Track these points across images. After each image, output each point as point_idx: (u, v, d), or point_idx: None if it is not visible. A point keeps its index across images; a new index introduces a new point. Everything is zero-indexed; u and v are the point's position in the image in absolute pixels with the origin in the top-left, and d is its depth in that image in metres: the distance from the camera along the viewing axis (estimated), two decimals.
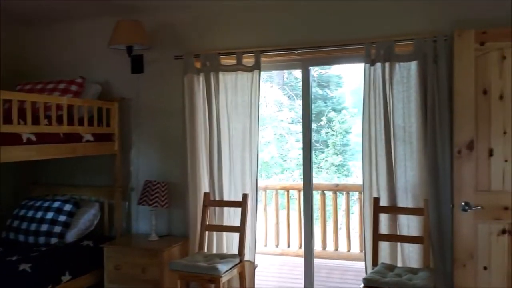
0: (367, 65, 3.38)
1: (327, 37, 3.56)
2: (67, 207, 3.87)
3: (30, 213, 3.88)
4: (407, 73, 3.32)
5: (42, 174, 4.43)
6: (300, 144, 3.79)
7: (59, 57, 4.36)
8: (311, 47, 3.57)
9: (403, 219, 3.40)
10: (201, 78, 3.82)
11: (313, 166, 3.77)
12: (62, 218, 3.80)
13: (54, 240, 3.71)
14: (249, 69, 3.69)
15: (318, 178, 9.10)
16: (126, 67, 4.11)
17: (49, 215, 3.80)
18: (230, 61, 3.75)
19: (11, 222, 3.91)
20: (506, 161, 2.95)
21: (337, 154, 9.87)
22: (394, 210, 3.39)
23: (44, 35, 4.43)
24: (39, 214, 3.84)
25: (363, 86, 3.42)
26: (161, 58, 4.03)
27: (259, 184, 3.80)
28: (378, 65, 3.35)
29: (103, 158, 4.07)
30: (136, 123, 4.15)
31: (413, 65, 3.30)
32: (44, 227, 3.75)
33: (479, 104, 3.00)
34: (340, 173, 9.81)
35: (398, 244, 3.42)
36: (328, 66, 10.06)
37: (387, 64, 3.34)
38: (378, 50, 3.34)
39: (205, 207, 3.80)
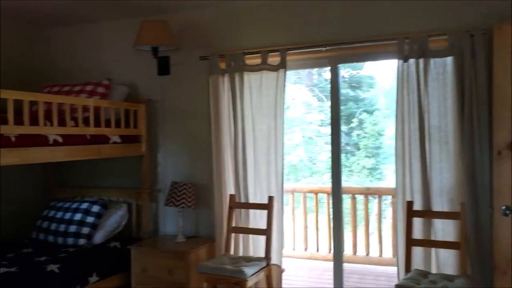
0: (400, 61, 3.24)
1: (357, 32, 3.43)
2: (95, 209, 3.88)
3: (59, 214, 3.91)
4: (443, 70, 3.17)
5: (71, 176, 4.47)
6: (329, 147, 3.67)
7: (86, 59, 4.40)
8: (339, 43, 3.45)
9: (438, 223, 3.24)
10: (226, 78, 3.76)
11: (344, 169, 3.65)
12: (90, 219, 3.81)
13: (82, 241, 3.72)
14: (275, 68, 3.61)
15: (349, 182, 8.91)
16: (152, 69, 4.10)
17: (77, 216, 3.82)
18: (255, 60, 3.68)
19: (41, 223, 3.96)
20: None
21: (369, 157, 9.65)
22: (428, 214, 3.25)
23: (70, 36, 4.47)
24: (68, 215, 3.86)
25: (396, 83, 3.28)
26: (186, 59, 3.99)
27: (286, 187, 3.70)
28: (412, 61, 3.21)
29: (130, 160, 4.07)
30: (163, 125, 4.13)
31: (449, 61, 3.14)
32: (73, 228, 3.77)
33: None
34: (372, 177, 9.59)
35: (433, 249, 3.26)
36: (359, 67, 9.89)
37: (421, 60, 3.20)
38: (412, 46, 3.20)
39: (230, 209, 3.74)
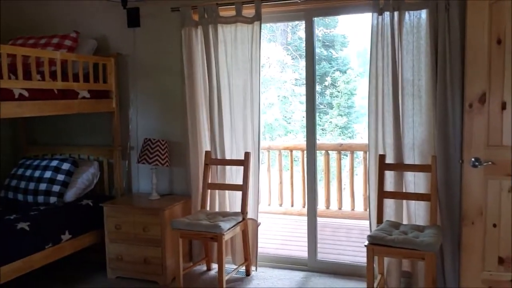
0: (375, 14, 3.20)
1: None
2: (65, 166, 3.79)
3: (28, 172, 3.81)
4: (417, 23, 3.15)
5: (40, 134, 4.34)
6: (304, 107, 3.66)
7: (53, 11, 4.17)
8: None
9: (409, 176, 3.31)
10: (199, 31, 3.64)
11: (317, 127, 3.65)
12: (60, 177, 3.73)
13: (53, 200, 3.65)
14: (249, 21, 3.51)
15: (322, 140, 9.01)
16: (122, 22, 3.94)
17: (47, 174, 3.73)
18: (230, 12, 3.56)
19: (10, 181, 3.85)
20: None
21: (341, 116, 9.73)
22: (400, 167, 3.29)
23: None
24: (37, 173, 3.77)
25: (370, 37, 3.25)
26: (157, 11, 3.84)
27: (262, 145, 3.68)
28: (387, 14, 3.17)
29: (101, 116, 3.97)
30: (134, 80, 4.01)
31: (424, 14, 3.12)
32: (43, 186, 3.68)
33: (492, 55, 2.80)
34: (344, 135, 9.71)
35: (404, 202, 3.34)
36: (333, 25, 9.80)
37: (396, 13, 3.16)
38: None
39: (206, 165, 3.71)
